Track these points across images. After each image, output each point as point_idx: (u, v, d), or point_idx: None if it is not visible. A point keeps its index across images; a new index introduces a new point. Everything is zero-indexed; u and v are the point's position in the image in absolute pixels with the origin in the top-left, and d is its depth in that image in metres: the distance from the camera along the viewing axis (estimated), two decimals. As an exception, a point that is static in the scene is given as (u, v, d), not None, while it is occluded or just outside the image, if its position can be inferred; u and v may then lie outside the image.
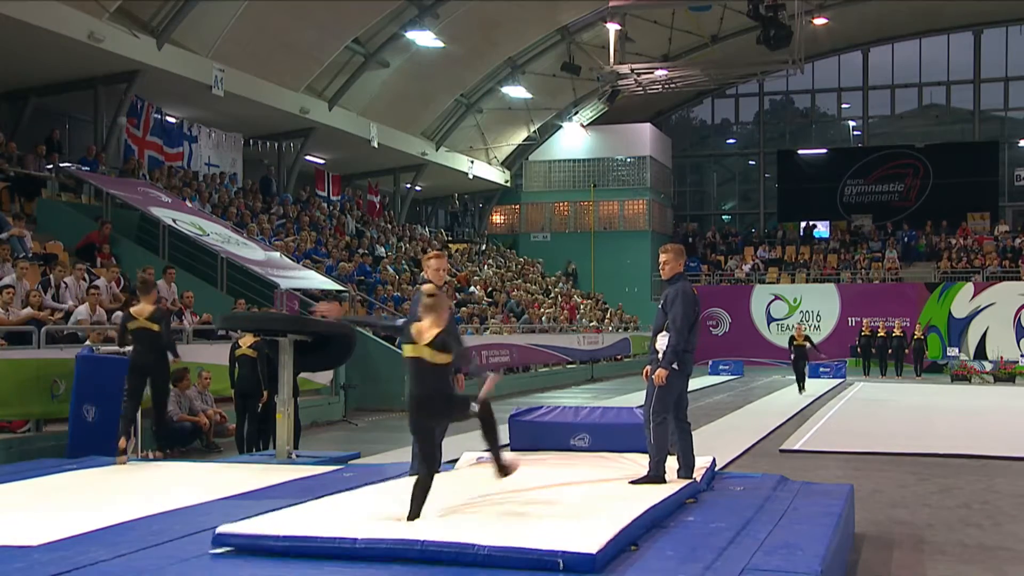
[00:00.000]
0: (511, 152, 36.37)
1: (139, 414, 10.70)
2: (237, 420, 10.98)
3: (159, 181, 19.62)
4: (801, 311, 33.62)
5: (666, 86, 30.70)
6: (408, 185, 31.97)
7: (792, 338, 21.14)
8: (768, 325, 33.93)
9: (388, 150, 28.14)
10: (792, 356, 20.97)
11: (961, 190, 36.17)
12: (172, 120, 22.43)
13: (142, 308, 9.63)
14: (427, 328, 5.76)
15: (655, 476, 6.96)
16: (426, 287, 6.04)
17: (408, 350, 5.80)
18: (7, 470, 8.59)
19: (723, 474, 8.27)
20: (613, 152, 36.08)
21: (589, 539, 5.00)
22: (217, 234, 16.65)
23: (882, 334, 27.80)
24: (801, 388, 20.53)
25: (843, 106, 39.33)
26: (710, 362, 27.86)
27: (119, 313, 11.41)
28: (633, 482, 6.93)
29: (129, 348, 9.79)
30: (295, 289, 16.35)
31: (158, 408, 9.91)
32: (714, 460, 7.95)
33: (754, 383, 24.42)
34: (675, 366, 7.12)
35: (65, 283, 12.99)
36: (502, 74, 30.50)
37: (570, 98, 33.28)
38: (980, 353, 30.41)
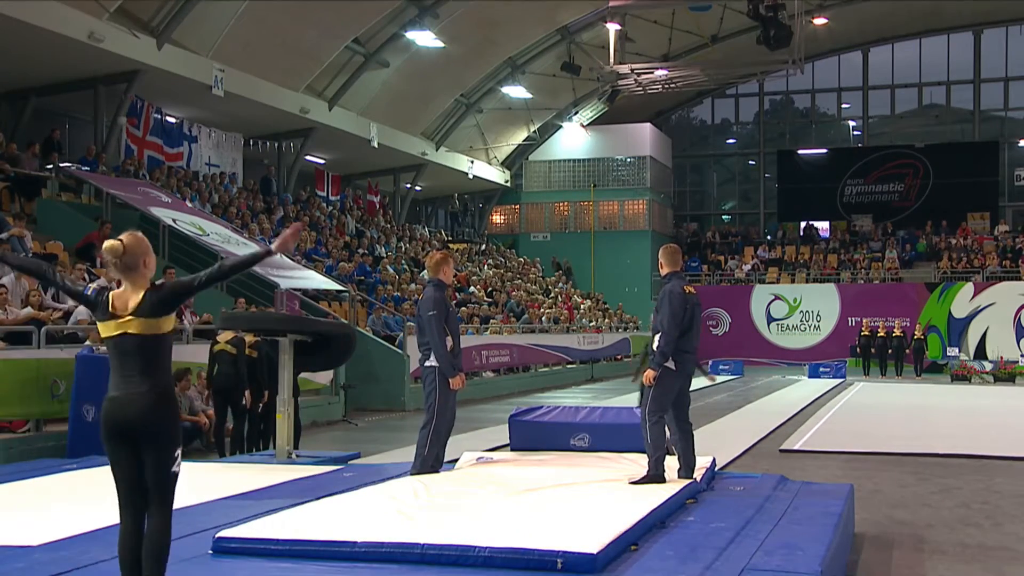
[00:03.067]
0: (511, 152, 36.36)
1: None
2: (219, 419, 10.97)
3: (159, 181, 19.61)
4: (801, 311, 33.64)
5: (666, 86, 30.69)
6: (408, 185, 31.96)
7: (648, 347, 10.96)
8: (768, 325, 33.93)
9: (388, 150, 28.14)
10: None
11: (961, 190, 36.17)
12: (172, 120, 22.43)
13: (225, 334, 10.82)
14: (131, 293, 4.19)
15: (655, 476, 6.96)
16: (107, 243, 4.22)
17: (108, 328, 4.18)
18: (7, 470, 8.59)
19: (723, 474, 8.28)
20: (613, 152, 36.08)
21: (590, 539, 5.01)
22: (217, 234, 16.64)
23: (882, 334, 27.79)
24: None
25: (843, 106, 39.34)
26: (710, 362, 27.84)
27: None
28: (633, 482, 6.93)
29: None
30: (295, 289, 16.34)
31: (224, 420, 10.87)
32: (714, 460, 7.96)
33: (754, 383, 24.42)
34: (672, 366, 7.12)
35: (65, 283, 12.95)
36: (502, 74, 30.50)
37: (570, 98, 33.27)
38: (980, 353, 30.40)
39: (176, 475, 4.21)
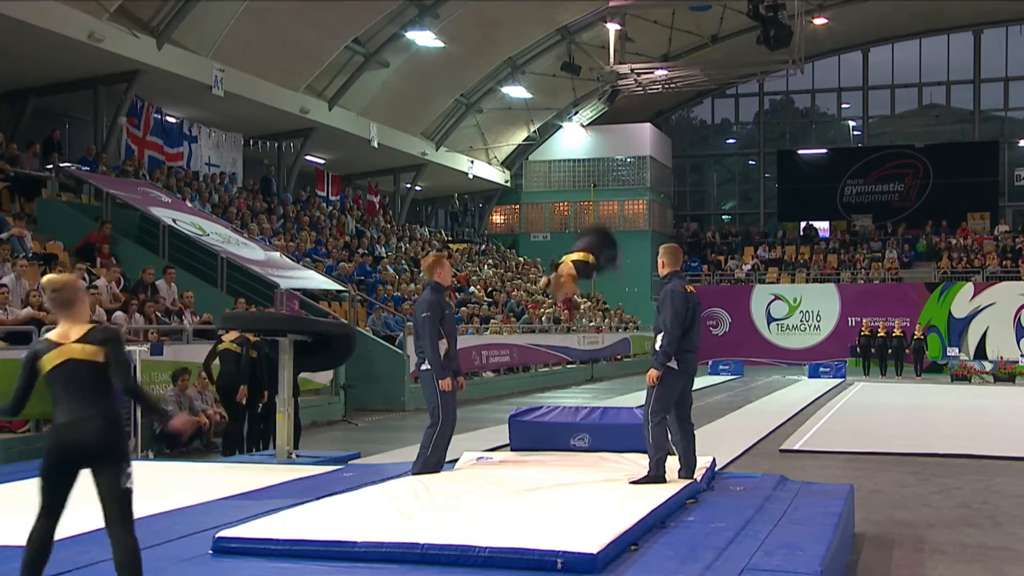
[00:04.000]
0: (511, 152, 36.36)
1: (139, 414, 10.74)
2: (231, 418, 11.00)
3: (159, 181, 19.61)
4: (801, 311, 33.65)
5: (666, 86, 30.69)
6: (408, 185, 31.96)
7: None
8: (768, 325, 33.94)
9: (388, 150, 28.14)
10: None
11: (961, 190, 36.17)
12: (172, 120, 22.43)
13: (230, 333, 10.80)
14: (70, 327, 4.32)
15: (655, 476, 6.96)
16: (46, 277, 4.49)
17: (53, 358, 4.25)
18: (7, 470, 8.58)
19: (723, 474, 8.27)
20: (613, 152, 36.07)
21: (590, 539, 5.01)
22: (217, 234, 16.65)
23: (882, 334, 27.79)
24: None
25: (843, 106, 39.34)
26: (710, 362, 27.84)
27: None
28: (633, 482, 6.93)
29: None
30: (295, 289, 16.35)
31: (235, 420, 10.86)
32: (714, 460, 7.95)
33: (754, 383, 24.42)
34: (674, 366, 7.12)
35: (65, 283, 12.96)
36: (502, 74, 30.50)
37: (570, 98, 33.26)
38: (980, 353, 30.40)
39: (131, 491, 4.28)
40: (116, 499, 4.24)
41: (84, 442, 4.18)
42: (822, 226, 38.40)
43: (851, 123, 39.56)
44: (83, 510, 6.37)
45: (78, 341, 4.24)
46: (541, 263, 35.03)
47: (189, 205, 18.41)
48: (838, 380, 24.86)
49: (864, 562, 6.46)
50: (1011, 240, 34.68)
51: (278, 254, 17.67)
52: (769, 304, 34.05)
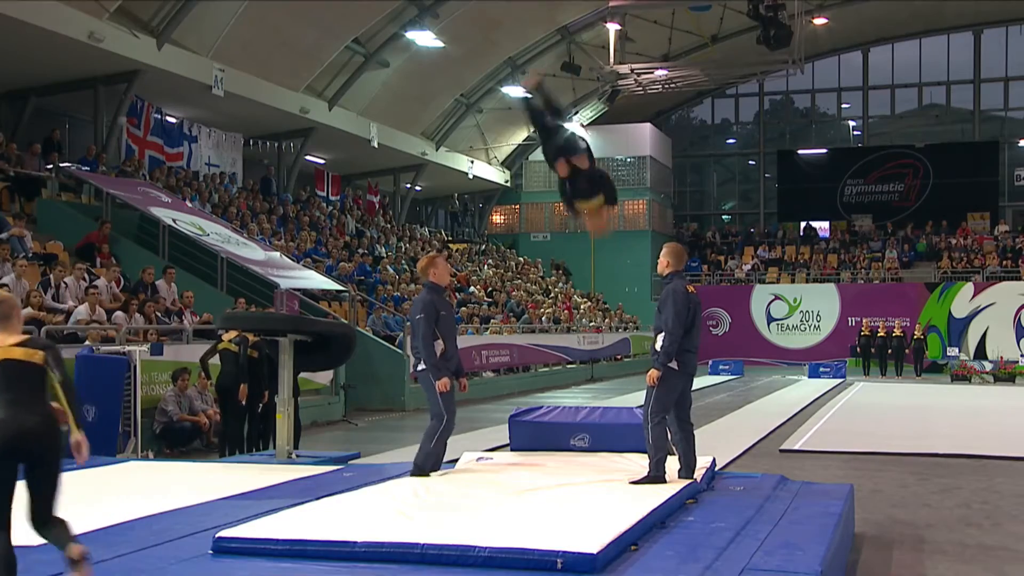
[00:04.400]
0: (511, 152, 36.36)
1: (139, 414, 10.75)
2: (223, 418, 11.00)
3: (159, 181, 19.62)
4: (801, 311, 33.65)
5: (666, 86, 30.69)
6: (408, 185, 31.97)
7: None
8: (768, 325, 33.93)
9: (388, 150, 28.14)
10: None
11: (961, 190, 36.17)
12: (172, 120, 22.43)
13: (230, 332, 10.87)
14: (7, 336, 4.55)
15: (655, 476, 6.96)
16: None
17: None
18: None
19: (723, 474, 8.27)
20: (613, 152, 36.01)
21: (590, 539, 5.01)
22: (217, 234, 16.65)
23: (882, 334, 27.80)
24: None
25: (843, 106, 39.33)
26: (710, 362, 27.84)
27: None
28: (633, 482, 6.92)
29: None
30: (295, 289, 16.35)
31: (230, 419, 10.92)
32: (714, 460, 7.94)
33: (754, 383, 24.42)
34: (675, 366, 7.11)
35: (65, 283, 12.99)
36: (502, 74, 30.49)
37: (570, 98, 33.22)
38: (980, 353, 30.41)
39: (59, 492, 4.54)
40: (48, 497, 4.47)
41: (25, 436, 4.34)
42: (822, 226, 38.39)
43: (851, 123, 39.55)
44: (81, 511, 6.38)
45: (16, 345, 4.47)
46: (541, 263, 35.06)
47: (189, 205, 18.41)
48: (838, 380, 24.86)
49: (864, 562, 6.46)
50: (1011, 240, 34.68)
51: (278, 254, 17.67)
52: (769, 304, 34.05)
